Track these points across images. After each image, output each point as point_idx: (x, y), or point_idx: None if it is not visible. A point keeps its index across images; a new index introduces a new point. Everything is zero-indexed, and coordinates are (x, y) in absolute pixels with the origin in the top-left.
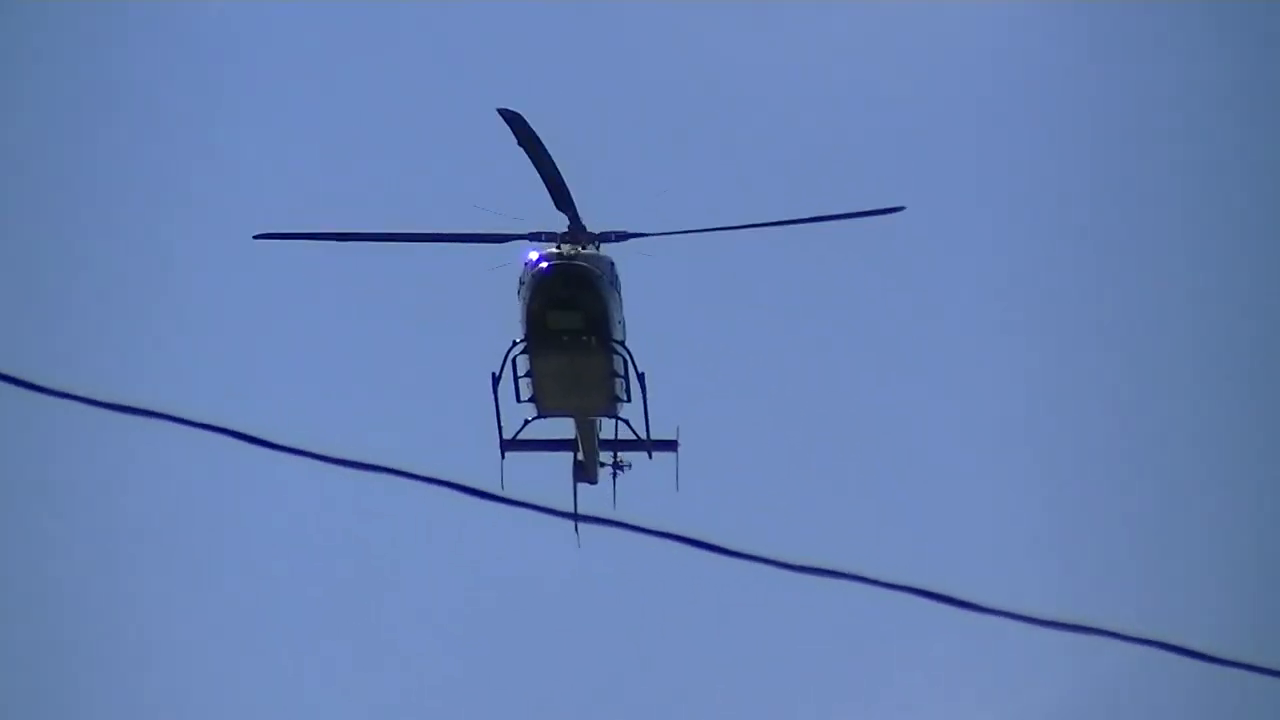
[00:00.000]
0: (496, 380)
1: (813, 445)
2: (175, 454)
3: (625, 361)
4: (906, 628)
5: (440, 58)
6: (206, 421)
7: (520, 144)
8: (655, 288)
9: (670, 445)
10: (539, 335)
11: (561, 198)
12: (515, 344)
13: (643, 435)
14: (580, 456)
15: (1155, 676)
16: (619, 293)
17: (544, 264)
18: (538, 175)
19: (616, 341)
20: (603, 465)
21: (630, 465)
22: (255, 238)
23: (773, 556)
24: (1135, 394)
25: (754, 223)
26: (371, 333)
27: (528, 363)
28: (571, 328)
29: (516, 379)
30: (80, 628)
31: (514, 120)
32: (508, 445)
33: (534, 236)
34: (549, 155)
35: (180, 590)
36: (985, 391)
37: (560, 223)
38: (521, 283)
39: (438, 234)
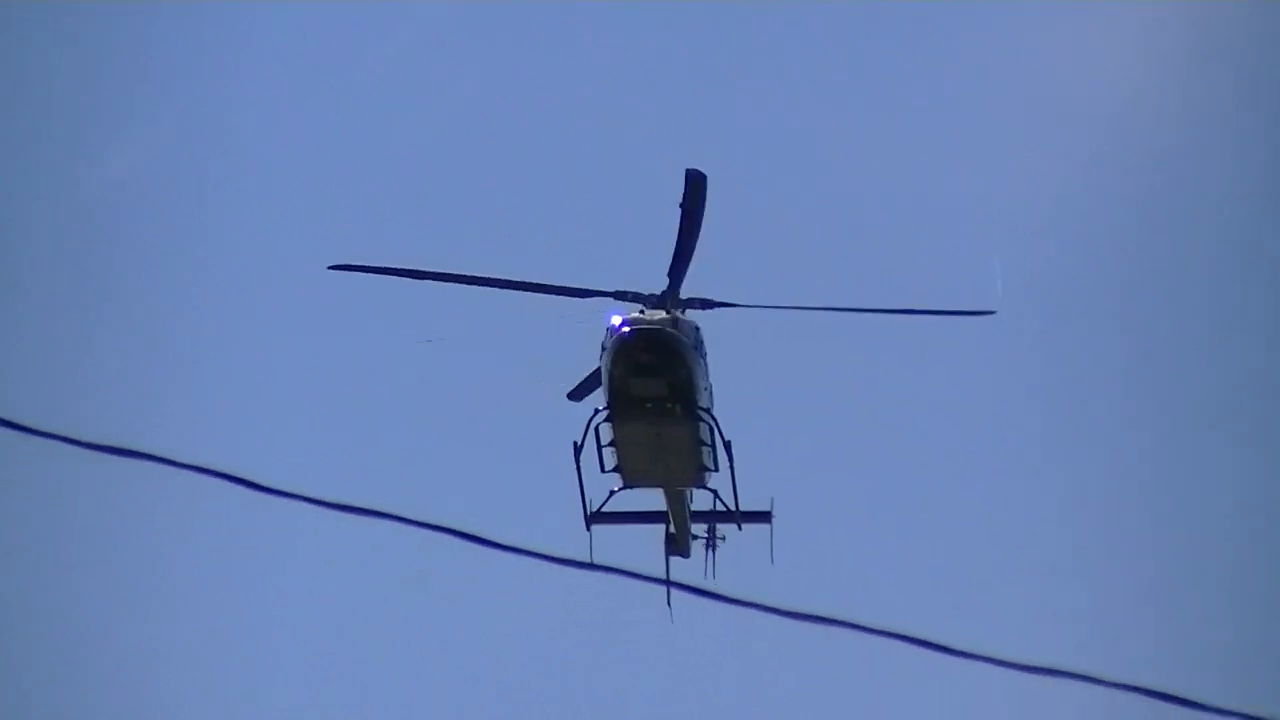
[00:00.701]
0: (579, 449)
1: (899, 515)
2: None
3: (711, 430)
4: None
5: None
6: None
7: (683, 204)
8: (742, 357)
9: (764, 517)
10: (622, 402)
11: (680, 266)
12: (598, 411)
13: (732, 506)
14: (671, 529)
15: None
16: (704, 359)
17: (627, 329)
18: (677, 238)
19: (702, 409)
20: (696, 538)
21: (725, 538)
22: (330, 268)
23: (869, 624)
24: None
25: (843, 306)
26: (442, 388)
27: (611, 431)
28: (655, 395)
29: (600, 448)
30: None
31: (695, 181)
32: (595, 518)
33: (620, 295)
34: (699, 225)
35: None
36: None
37: (649, 285)
38: (604, 347)
39: (517, 281)
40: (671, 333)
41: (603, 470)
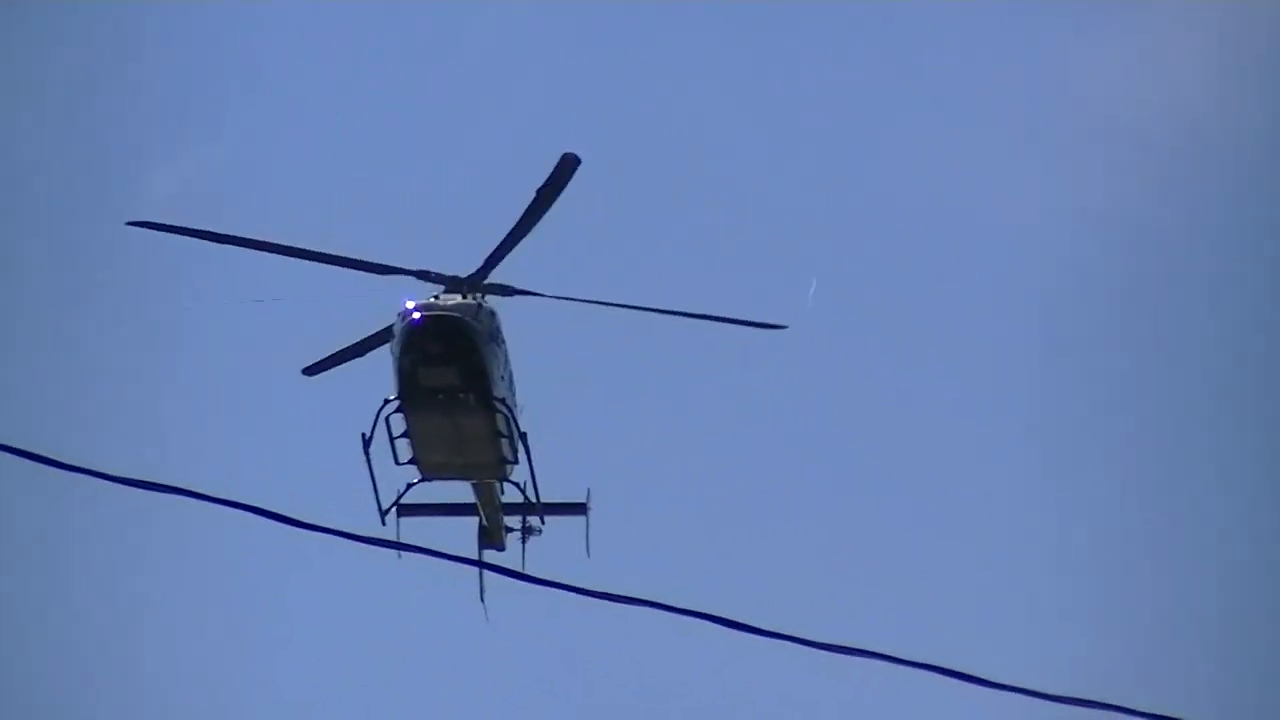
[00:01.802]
0: (368, 442)
1: (715, 503)
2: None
3: (508, 420)
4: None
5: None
6: None
7: (542, 188)
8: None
9: (580, 508)
10: (412, 392)
11: (503, 251)
12: (387, 401)
13: (534, 498)
14: (484, 521)
15: None
16: (501, 346)
17: (417, 315)
18: (518, 220)
19: (498, 399)
20: (511, 530)
21: (540, 530)
22: (129, 224)
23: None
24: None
25: (645, 306)
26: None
27: (403, 421)
28: (447, 384)
29: (393, 439)
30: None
31: (565, 167)
32: (401, 510)
33: (423, 274)
34: (544, 212)
35: None
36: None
37: (460, 267)
38: (393, 334)
39: (319, 253)
40: (463, 320)
41: (397, 463)
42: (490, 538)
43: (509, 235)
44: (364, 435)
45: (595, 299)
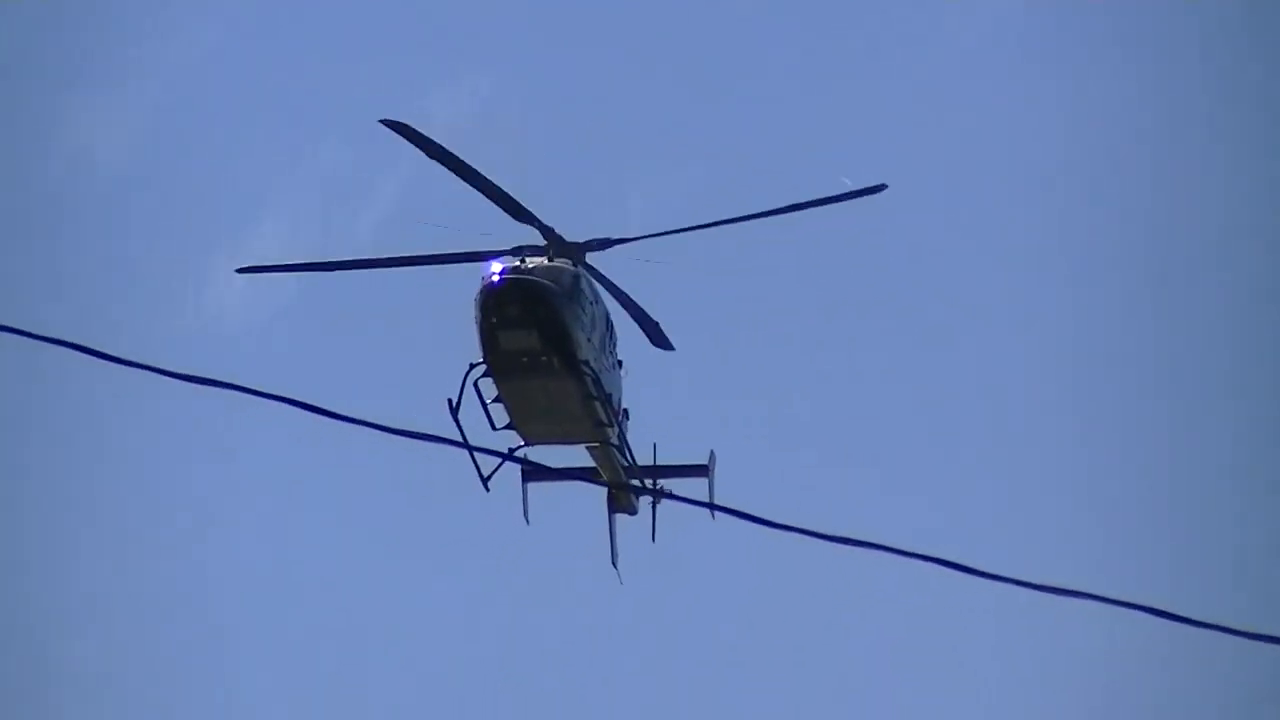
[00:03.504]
0: (455, 407)
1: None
2: None
3: (595, 381)
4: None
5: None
6: None
7: (431, 156)
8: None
9: (702, 470)
10: (494, 357)
11: (511, 208)
12: (472, 366)
13: (634, 461)
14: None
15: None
16: (590, 307)
17: (495, 278)
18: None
19: (583, 361)
20: (645, 491)
21: (670, 491)
22: (238, 271)
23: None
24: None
25: (739, 216)
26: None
27: (493, 387)
28: (528, 347)
29: (485, 405)
30: None
31: (403, 130)
32: (529, 475)
33: (516, 252)
34: (467, 165)
35: None
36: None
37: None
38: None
39: (415, 257)
40: (538, 280)
41: (493, 428)
42: (619, 502)
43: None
44: (450, 401)
45: (686, 226)
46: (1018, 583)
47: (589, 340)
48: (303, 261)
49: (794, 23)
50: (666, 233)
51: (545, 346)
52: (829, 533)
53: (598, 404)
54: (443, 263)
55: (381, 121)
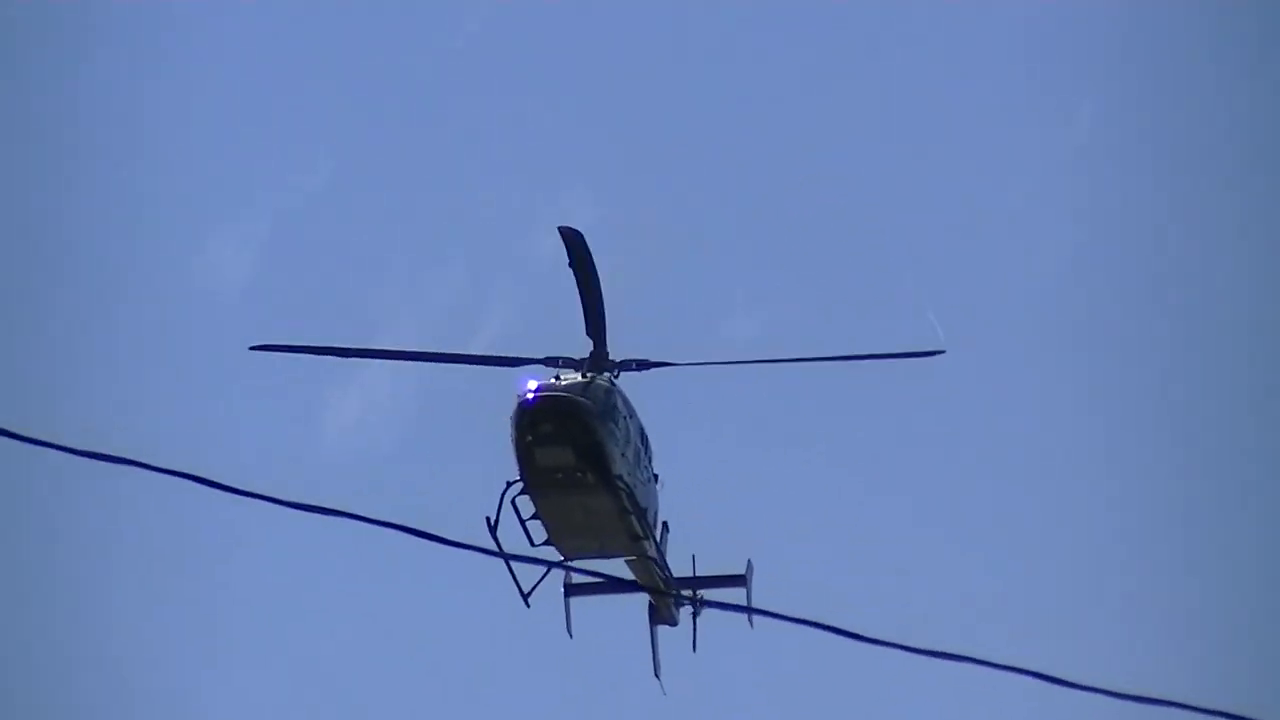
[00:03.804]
0: (494, 525)
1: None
2: None
3: (630, 495)
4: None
5: None
6: None
7: (571, 265)
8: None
9: (740, 580)
10: (530, 473)
11: (594, 324)
12: (509, 484)
13: (670, 574)
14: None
15: None
16: (622, 422)
17: (530, 395)
18: (580, 297)
19: (617, 477)
20: (685, 603)
21: (703, 602)
22: (251, 349)
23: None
24: None
25: (787, 357)
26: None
27: (530, 504)
28: (564, 464)
29: (523, 522)
30: None
31: (573, 240)
32: (571, 591)
33: (550, 361)
34: (597, 280)
35: None
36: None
37: (582, 348)
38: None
39: (446, 354)
40: (573, 398)
41: (531, 544)
42: (660, 614)
43: (585, 311)
44: (489, 519)
45: (732, 359)
46: (1106, 692)
47: (623, 455)
48: (323, 345)
49: None
50: (709, 363)
51: (580, 462)
52: (858, 631)
53: (633, 518)
54: (474, 363)
55: (559, 229)
